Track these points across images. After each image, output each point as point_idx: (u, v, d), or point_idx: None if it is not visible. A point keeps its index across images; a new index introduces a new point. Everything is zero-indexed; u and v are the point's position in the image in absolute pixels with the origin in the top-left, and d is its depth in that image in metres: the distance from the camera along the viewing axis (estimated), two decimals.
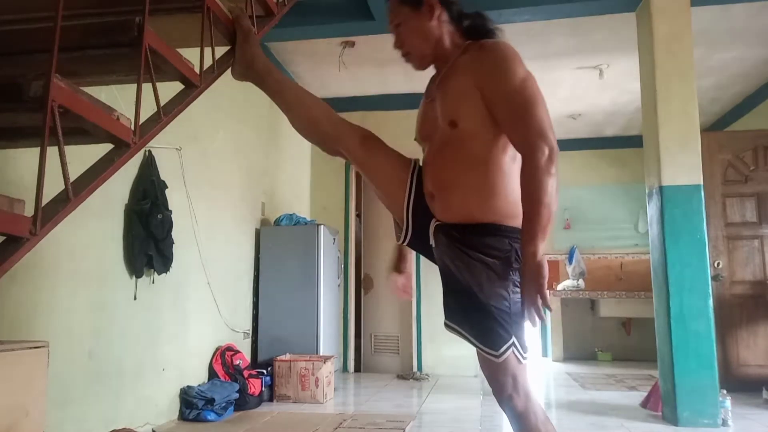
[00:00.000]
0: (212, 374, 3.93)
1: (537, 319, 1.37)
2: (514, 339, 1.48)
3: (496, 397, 1.54)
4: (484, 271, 1.48)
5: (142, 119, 1.71)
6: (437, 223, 1.62)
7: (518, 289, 1.47)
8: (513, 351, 1.47)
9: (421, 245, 1.70)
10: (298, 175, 5.95)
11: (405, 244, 1.72)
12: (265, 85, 1.87)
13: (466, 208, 1.54)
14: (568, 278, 7.15)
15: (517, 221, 1.47)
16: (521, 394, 1.48)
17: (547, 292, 1.37)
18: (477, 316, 1.50)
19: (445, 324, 1.61)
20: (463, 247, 1.52)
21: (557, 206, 1.39)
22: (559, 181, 1.38)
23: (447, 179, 1.58)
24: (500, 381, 1.50)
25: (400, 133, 6.15)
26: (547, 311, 1.45)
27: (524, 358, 1.49)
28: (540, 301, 1.36)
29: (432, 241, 1.64)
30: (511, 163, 1.52)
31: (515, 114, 1.43)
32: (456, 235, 1.55)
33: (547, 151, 1.37)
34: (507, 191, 1.51)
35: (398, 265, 1.95)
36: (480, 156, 1.52)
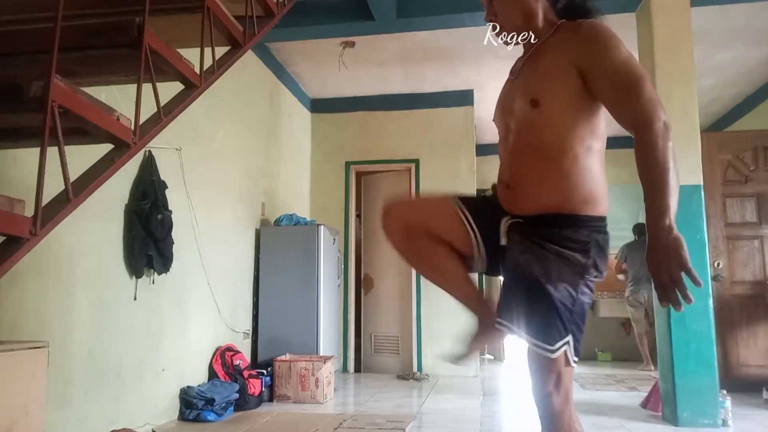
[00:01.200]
0: (212, 374, 3.93)
1: (677, 303, 1.24)
2: (570, 338, 1.43)
3: (535, 394, 1.50)
4: (556, 264, 1.43)
5: (142, 119, 1.71)
6: (511, 220, 1.56)
7: (587, 290, 1.45)
8: (566, 350, 1.43)
9: (493, 262, 1.65)
10: (298, 175, 5.95)
11: (483, 270, 1.71)
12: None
13: (543, 197, 1.48)
14: None
15: (597, 209, 1.45)
16: (561, 393, 1.45)
17: (692, 268, 1.23)
18: (539, 310, 1.44)
19: (497, 322, 1.54)
20: (537, 239, 1.46)
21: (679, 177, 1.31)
22: (675, 152, 1.32)
23: (524, 168, 1.52)
24: (544, 378, 1.44)
25: (400, 133, 6.19)
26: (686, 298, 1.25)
27: (574, 362, 1.44)
28: (680, 282, 1.23)
29: (504, 240, 1.56)
30: (588, 153, 1.47)
31: (625, 88, 1.37)
32: (530, 228, 1.49)
33: (664, 119, 1.33)
34: (584, 180, 1.46)
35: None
36: (558, 144, 1.46)
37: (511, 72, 1.63)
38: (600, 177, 1.48)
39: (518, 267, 1.49)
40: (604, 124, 1.50)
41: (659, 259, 1.26)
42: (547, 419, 1.47)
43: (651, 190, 1.31)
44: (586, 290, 1.45)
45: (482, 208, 1.63)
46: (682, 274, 1.23)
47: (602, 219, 1.48)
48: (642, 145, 1.33)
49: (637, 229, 6.48)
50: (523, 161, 1.52)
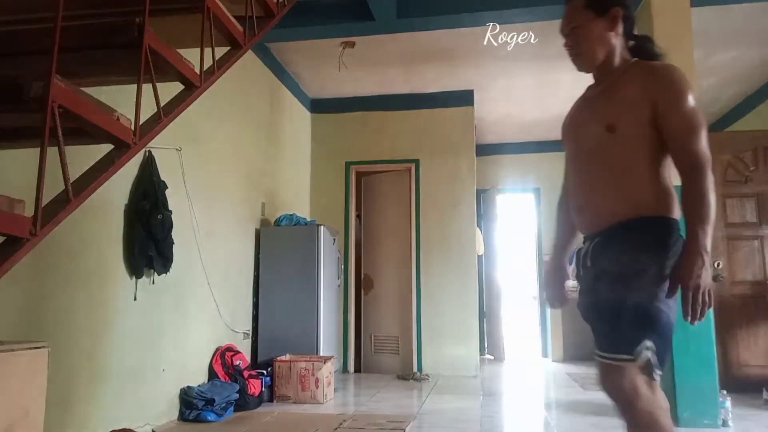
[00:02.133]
0: (212, 375, 3.93)
1: (697, 316, 1.48)
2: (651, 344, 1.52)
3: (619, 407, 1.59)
4: (634, 271, 1.54)
5: (142, 119, 1.71)
6: (591, 243, 1.69)
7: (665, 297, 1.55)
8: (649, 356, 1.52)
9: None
10: (298, 175, 5.95)
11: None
12: None
13: (618, 207, 1.62)
14: (569, 279, 7.14)
15: (669, 212, 1.61)
16: (642, 391, 1.54)
17: (707, 288, 1.49)
18: (609, 318, 1.57)
19: (596, 355, 1.63)
20: (616, 250, 1.58)
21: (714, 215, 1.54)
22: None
23: (597, 186, 1.67)
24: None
25: (400, 133, 6.19)
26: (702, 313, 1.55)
27: (658, 374, 1.53)
28: (706, 297, 1.48)
29: (589, 262, 1.69)
30: (654, 168, 1.63)
31: (688, 132, 1.57)
32: (606, 241, 1.63)
33: (709, 171, 1.55)
34: (654, 188, 1.62)
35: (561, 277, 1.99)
36: (629, 163, 1.62)
37: (585, 98, 1.80)
38: (668, 184, 1.65)
39: (603, 289, 1.59)
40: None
41: (691, 277, 1.49)
42: (626, 407, 1.59)
43: (700, 222, 1.51)
44: (664, 297, 1.55)
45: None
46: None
47: (676, 221, 1.62)
48: (695, 185, 1.54)
49: None
50: (596, 182, 1.67)
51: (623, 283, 1.53)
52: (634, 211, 1.60)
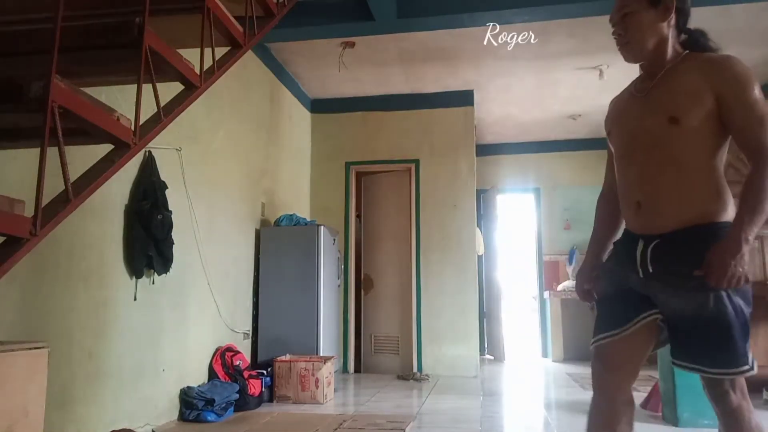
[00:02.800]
0: (212, 375, 3.93)
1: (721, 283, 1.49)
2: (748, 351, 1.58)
3: (710, 394, 1.66)
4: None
5: (142, 120, 1.71)
6: (651, 243, 1.63)
7: (741, 299, 1.59)
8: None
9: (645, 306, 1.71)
10: (298, 175, 5.95)
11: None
12: None
13: (683, 210, 1.59)
14: (568, 279, 7.16)
15: (731, 215, 1.58)
16: (738, 391, 1.61)
17: (738, 274, 1.51)
18: (716, 336, 1.59)
19: (674, 363, 1.67)
20: (686, 263, 1.56)
21: None
22: None
23: (660, 183, 1.62)
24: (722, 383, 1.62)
25: (400, 133, 6.19)
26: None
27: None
28: (733, 272, 1.49)
29: (640, 272, 1.65)
30: (718, 165, 1.60)
31: (755, 122, 1.53)
32: (670, 246, 1.60)
33: None
34: (718, 190, 1.59)
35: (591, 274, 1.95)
36: (694, 158, 1.58)
37: (638, 90, 1.73)
38: (726, 185, 1.61)
39: (678, 301, 1.58)
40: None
41: (726, 252, 1.50)
42: (727, 416, 1.76)
43: (743, 209, 1.50)
44: (740, 300, 1.61)
45: (613, 298, 1.75)
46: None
47: None
48: (760, 175, 1.50)
49: None
50: (657, 176, 1.62)
51: (717, 296, 1.55)
52: (701, 216, 1.57)
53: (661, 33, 1.65)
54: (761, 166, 1.50)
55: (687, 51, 1.68)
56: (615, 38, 1.72)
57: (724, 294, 1.52)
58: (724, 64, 1.57)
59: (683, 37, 1.70)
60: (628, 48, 1.69)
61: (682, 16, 1.68)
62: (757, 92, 1.54)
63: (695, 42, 1.69)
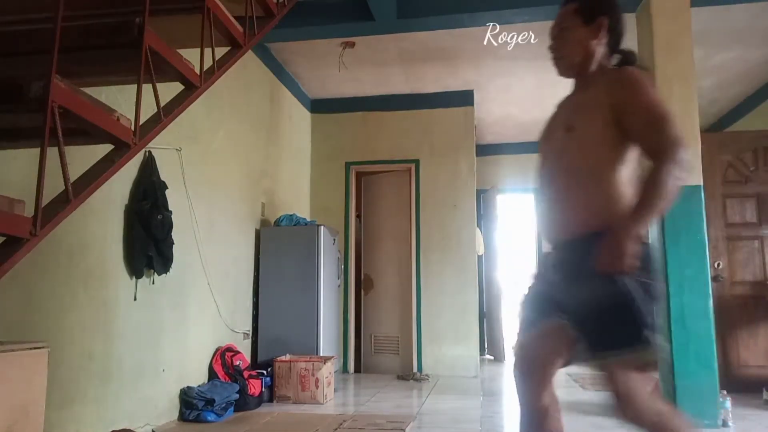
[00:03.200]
0: (212, 375, 3.93)
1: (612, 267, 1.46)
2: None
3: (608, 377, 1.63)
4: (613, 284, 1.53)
5: (142, 120, 1.71)
6: (555, 248, 1.70)
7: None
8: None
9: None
10: (298, 175, 5.95)
11: None
12: None
13: (580, 219, 1.63)
14: None
15: None
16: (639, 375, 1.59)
17: (624, 260, 1.44)
18: (612, 318, 1.56)
19: (588, 361, 1.67)
20: (583, 262, 1.56)
21: (669, 208, 1.50)
22: (677, 189, 1.49)
23: (561, 192, 1.67)
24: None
25: (400, 133, 6.19)
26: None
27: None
28: (622, 260, 1.44)
29: (549, 276, 1.72)
30: (616, 176, 1.61)
31: (654, 124, 1.53)
32: (570, 253, 1.63)
33: (683, 158, 1.48)
34: (621, 199, 1.59)
35: None
36: (596, 167, 1.61)
37: (559, 106, 1.83)
38: (629, 193, 1.60)
39: (580, 300, 1.58)
40: (633, 153, 1.63)
41: (618, 240, 1.45)
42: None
43: (639, 201, 1.49)
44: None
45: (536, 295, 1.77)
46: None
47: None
48: (659, 169, 1.48)
49: None
50: (559, 186, 1.68)
51: (610, 280, 1.53)
52: (599, 224, 1.57)
53: (590, 50, 1.73)
54: (661, 164, 1.49)
55: (609, 63, 1.76)
56: (550, 53, 1.80)
57: (617, 279, 1.51)
58: (619, 74, 1.64)
59: (617, 57, 1.77)
60: (560, 62, 1.79)
61: (614, 36, 1.75)
62: (652, 94, 1.57)
63: (625, 62, 1.75)
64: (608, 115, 1.59)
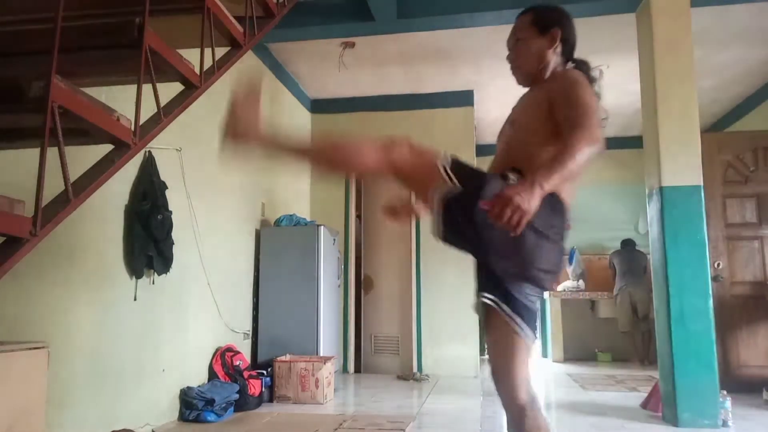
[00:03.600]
0: (212, 375, 3.93)
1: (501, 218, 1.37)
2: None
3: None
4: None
5: (142, 120, 1.71)
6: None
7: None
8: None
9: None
10: (298, 175, 5.95)
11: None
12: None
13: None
14: (569, 279, 7.16)
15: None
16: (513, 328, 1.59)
17: (521, 225, 1.36)
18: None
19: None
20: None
21: (578, 174, 1.46)
22: (588, 162, 1.45)
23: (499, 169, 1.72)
24: None
25: (400, 133, 6.17)
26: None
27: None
28: (522, 211, 1.35)
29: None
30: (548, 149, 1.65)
31: (575, 112, 1.56)
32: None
33: (598, 135, 1.48)
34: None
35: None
36: (527, 157, 1.65)
37: (513, 107, 1.89)
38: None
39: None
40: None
41: (514, 192, 1.35)
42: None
43: (554, 163, 1.43)
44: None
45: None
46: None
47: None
48: (571, 141, 1.46)
49: (624, 242, 6.91)
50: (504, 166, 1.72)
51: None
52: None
53: (545, 59, 1.80)
54: (574, 136, 1.48)
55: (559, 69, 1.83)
56: (508, 62, 1.88)
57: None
58: (559, 75, 1.75)
59: (570, 65, 1.85)
60: (517, 72, 1.87)
61: (568, 46, 1.84)
62: (582, 93, 1.61)
63: (578, 70, 1.80)
64: (545, 108, 1.66)
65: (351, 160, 1.64)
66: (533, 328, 1.57)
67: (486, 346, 1.66)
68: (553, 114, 1.64)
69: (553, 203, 1.56)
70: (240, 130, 1.61)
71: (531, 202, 1.35)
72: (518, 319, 1.54)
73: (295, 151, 1.72)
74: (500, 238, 1.47)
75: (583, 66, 1.84)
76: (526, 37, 1.82)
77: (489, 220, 1.41)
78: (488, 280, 1.59)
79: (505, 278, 1.55)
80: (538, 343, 7.59)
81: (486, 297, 1.58)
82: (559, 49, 1.81)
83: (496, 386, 1.62)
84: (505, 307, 1.55)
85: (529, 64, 1.82)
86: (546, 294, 7.26)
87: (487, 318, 1.62)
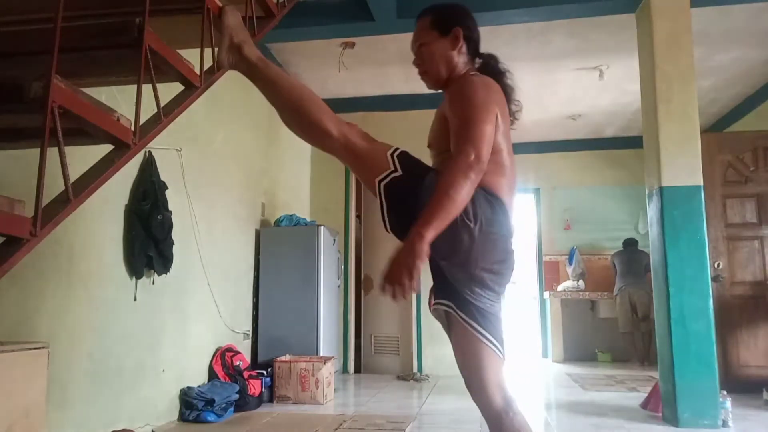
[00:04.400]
0: (212, 375, 3.93)
1: (384, 290, 1.38)
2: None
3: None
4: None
5: (142, 120, 1.71)
6: None
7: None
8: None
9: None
10: (298, 175, 5.95)
11: None
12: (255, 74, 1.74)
13: None
14: (569, 279, 7.15)
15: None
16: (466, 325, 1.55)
17: (414, 280, 1.35)
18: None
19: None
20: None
21: (460, 209, 1.42)
22: (471, 187, 1.43)
23: None
24: None
25: (400, 134, 6.15)
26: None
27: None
28: (400, 280, 1.35)
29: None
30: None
31: (460, 126, 1.52)
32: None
33: (472, 156, 1.44)
34: None
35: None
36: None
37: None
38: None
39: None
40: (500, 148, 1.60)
41: (398, 253, 1.38)
42: None
43: (432, 200, 1.41)
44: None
45: None
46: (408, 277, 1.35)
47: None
48: (448, 163, 1.47)
49: (626, 242, 6.87)
50: None
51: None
52: None
53: (452, 60, 1.75)
54: (453, 161, 1.45)
55: (471, 69, 1.77)
56: (416, 67, 1.81)
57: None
58: (454, 83, 1.68)
59: (479, 61, 1.80)
60: (427, 77, 1.80)
61: (471, 43, 1.78)
62: (474, 99, 1.55)
63: (486, 65, 1.78)
64: (446, 124, 1.60)
65: (312, 112, 1.62)
66: (496, 333, 1.51)
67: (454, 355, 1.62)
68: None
69: (489, 199, 1.53)
70: (236, 41, 1.67)
71: (415, 257, 1.34)
72: (476, 325, 1.49)
73: (273, 79, 1.70)
74: (438, 238, 1.43)
75: (491, 61, 1.79)
76: (429, 41, 1.75)
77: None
78: (443, 284, 1.55)
79: (455, 282, 1.50)
80: (539, 343, 7.58)
81: (441, 303, 1.55)
82: (464, 48, 1.76)
83: (471, 395, 1.58)
84: (460, 312, 1.50)
85: (437, 69, 1.76)
86: (546, 294, 7.25)
87: (449, 325, 1.58)
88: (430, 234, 1.37)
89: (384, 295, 1.38)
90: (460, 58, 1.76)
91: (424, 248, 1.35)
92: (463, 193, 1.41)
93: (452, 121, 1.56)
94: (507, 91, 1.73)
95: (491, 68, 1.77)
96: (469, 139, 1.47)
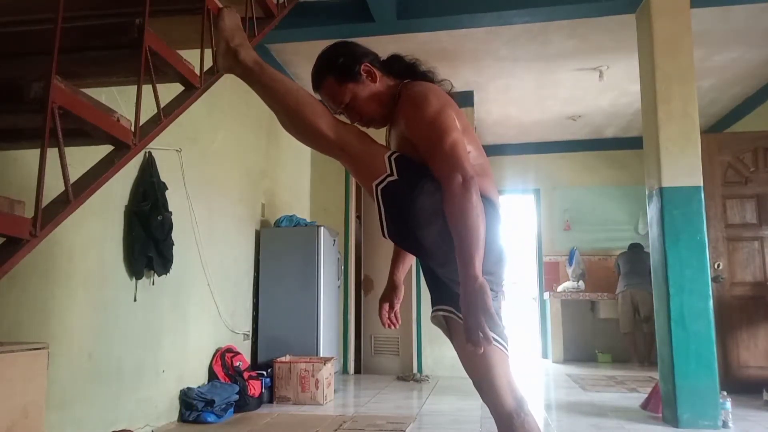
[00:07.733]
0: (212, 376, 3.93)
1: (478, 346, 1.32)
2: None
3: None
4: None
5: (142, 120, 1.71)
6: None
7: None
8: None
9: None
10: (298, 176, 5.95)
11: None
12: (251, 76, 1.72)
13: None
14: (568, 279, 7.15)
15: None
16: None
17: (492, 316, 1.31)
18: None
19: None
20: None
21: (484, 228, 1.38)
22: (478, 205, 1.39)
23: None
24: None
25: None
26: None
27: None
28: (483, 326, 1.30)
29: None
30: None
31: (431, 148, 1.49)
32: None
33: (460, 179, 1.40)
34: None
35: (391, 297, 2.02)
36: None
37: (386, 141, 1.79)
38: None
39: None
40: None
41: (467, 305, 1.33)
42: None
43: (456, 242, 1.38)
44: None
45: None
46: (488, 318, 1.30)
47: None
48: (444, 202, 1.42)
49: (631, 245, 6.86)
50: None
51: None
52: None
53: (379, 93, 1.71)
54: (446, 192, 1.41)
55: (405, 82, 1.73)
56: (356, 123, 1.74)
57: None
58: (404, 101, 1.61)
59: (391, 68, 1.79)
60: (373, 123, 1.75)
61: (377, 60, 1.77)
62: (429, 113, 1.51)
63: (395, 71, 1.78)
64: (409, 140, 1.57)
65: (308, 115, 1.61)
66: (499, 330, 1.47)
67: (459, 358, 1.59)
68: (416, 148, 1.54)
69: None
70: (232, 45, 1.64)
71: (481, 297, 1.30)
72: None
73: (270, 83, 1.69)
74: (430, 239, 1.41)
75: (396, 64, 1.77)
76: (351, 95, 1.70)
77: (421, 220, 1.44)
78: (441, 291, 1.54)
79: (454, 286, 1.48)
80: (538, 343, 7.59)
81: (441, 309, 1.54)
82: (380, 74, 1.73)
83: (481, 396, 1.54)
84: (461, 315, 1.45)
85: (374, 110, 1.71)
86: (546, 295, 7.25)
87: (450, 330, 1.57)
88: (478, 269, 1.33)
89: (480, 350, 1.32)
90: (382, 85, 1.73)
91: (483, 283, 1.32)
92: (474, 215, 1.37)
93: (419, 144, 1.53)
94: (429, 78, 1.72)
95: (404, 69, 1.77)
96: (448, 163, 1.43)
